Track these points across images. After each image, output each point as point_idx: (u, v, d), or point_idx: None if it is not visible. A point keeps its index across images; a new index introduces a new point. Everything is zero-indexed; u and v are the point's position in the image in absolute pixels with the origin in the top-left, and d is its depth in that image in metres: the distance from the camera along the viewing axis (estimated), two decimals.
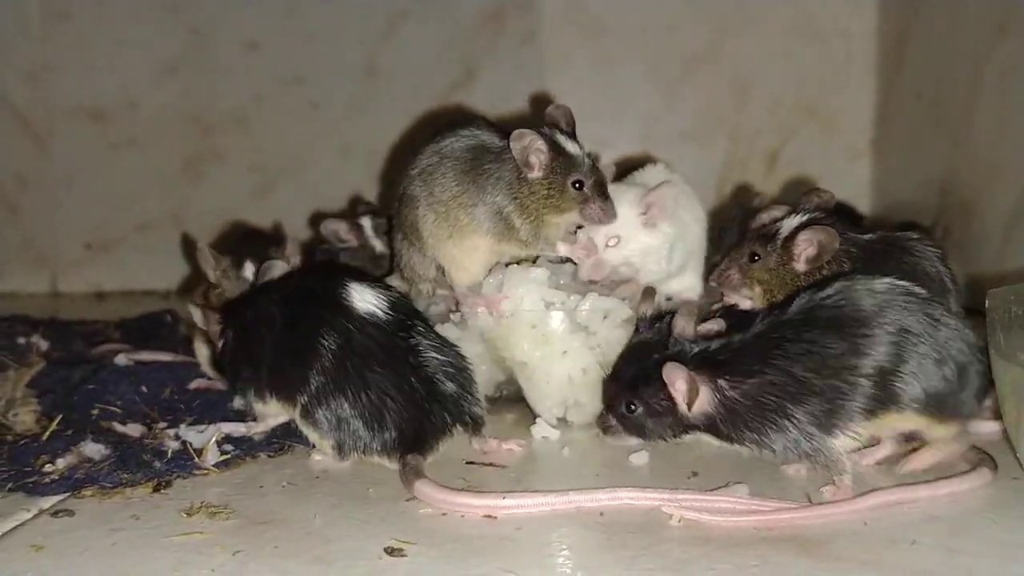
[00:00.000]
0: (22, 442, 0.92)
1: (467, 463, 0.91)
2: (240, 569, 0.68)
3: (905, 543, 0.71)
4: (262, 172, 1.95)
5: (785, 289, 0.95)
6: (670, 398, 0.84)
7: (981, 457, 0.86)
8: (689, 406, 0.83)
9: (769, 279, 0.97)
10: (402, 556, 0.69)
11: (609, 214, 0.98)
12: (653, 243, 1.06)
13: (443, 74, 1.91)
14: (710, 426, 0.85)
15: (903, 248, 0.93)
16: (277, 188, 1.95)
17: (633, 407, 0.87)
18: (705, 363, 0.84)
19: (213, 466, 0.89)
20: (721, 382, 0.83)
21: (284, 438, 0.97)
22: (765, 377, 0.82)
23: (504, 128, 1.02)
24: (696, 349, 0.86)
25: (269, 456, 0.94)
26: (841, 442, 0.82)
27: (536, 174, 0.97)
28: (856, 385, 0.80)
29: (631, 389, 0.87)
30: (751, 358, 0.83)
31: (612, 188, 1.03)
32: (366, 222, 1.29)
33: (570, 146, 0.99)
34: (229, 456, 0.91)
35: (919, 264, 0.91)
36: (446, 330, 1.04)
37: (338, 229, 1.27)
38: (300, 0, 1.89)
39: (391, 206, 1.10)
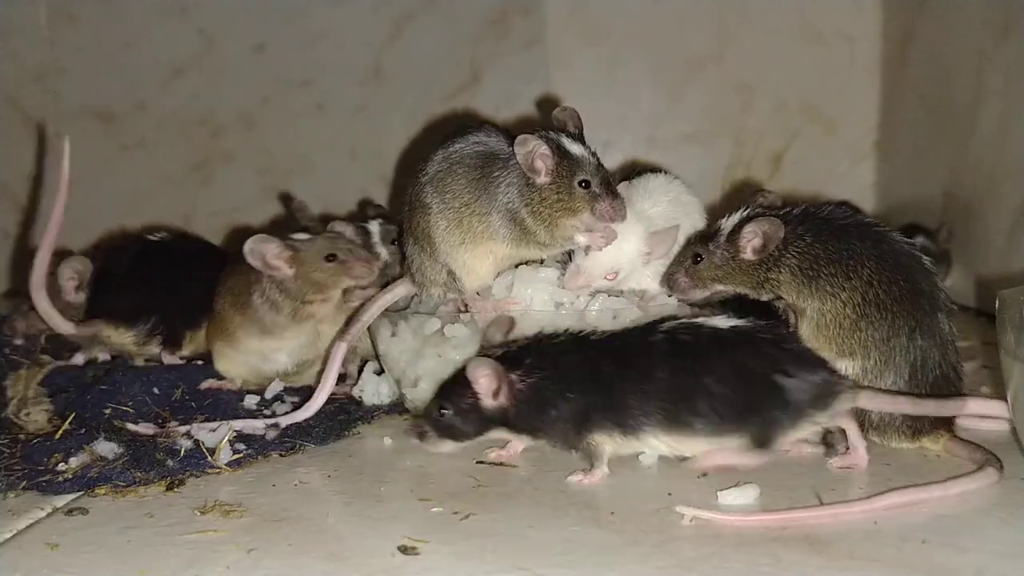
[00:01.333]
0: (35, 441, 0.93)
1: (477, 463, 0.92)
2: (254, 566, 0.68)
3: (915, 542, 0.72)
4: (270, 174, 1.96)
5: (744, 276, 0.97)
6: (474, 395, 0.89)
7: (987, 457, 0.86)
8: (494, 396, 0.88)
9: (721, 275, 0.99)
10: (416, 554, 0.70)
11: (620, 210, 0.98)
12: (650, 275, 1.06)
13: (448, 77, 1.92)
14: (504, 419, 0.90)
15: (877, 237, 0.94)
16: (284, 189, 1.95)
17: (443, 410, 0.90)
18: (504, 360, 0.89)
19: (226, 465, 0.90)
20: (513, 376, 0.88)
21: (296, 438, 0.97)
22: (543, 374, 0.89)
23: (512, 132, 1.02)
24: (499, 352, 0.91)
25: (280, 455, 0.94)
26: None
27: (543, 179, 0.97)
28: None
29: (440, 394, 0.92)
30: (539, 358, 0.90)
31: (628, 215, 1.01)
32: (374, 227, 1.29)
33: (574, 147, 0.98)
34: (241, 455, 0.92)
35: (892, 251, 0.93)
36: (455, 330, 1.04)
37: (344, 231, 1.28)
38: (307, 3, 1.90)
39: (400, 210, 1.11)
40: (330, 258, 1.12)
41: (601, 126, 1.88)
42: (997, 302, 0.84)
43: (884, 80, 1.88)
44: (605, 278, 1.03)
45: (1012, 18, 1.44)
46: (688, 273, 1.00)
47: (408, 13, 1.90)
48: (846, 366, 0.91)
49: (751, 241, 0.95)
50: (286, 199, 1.73)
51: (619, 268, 1.03)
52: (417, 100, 1.91)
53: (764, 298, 0.98)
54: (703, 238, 1.01)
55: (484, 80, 1.91)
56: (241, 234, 1.77)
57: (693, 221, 1.10)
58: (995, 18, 1.48)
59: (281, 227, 1.28)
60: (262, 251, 1.10)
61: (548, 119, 1.03)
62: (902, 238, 0.95)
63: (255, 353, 1.15)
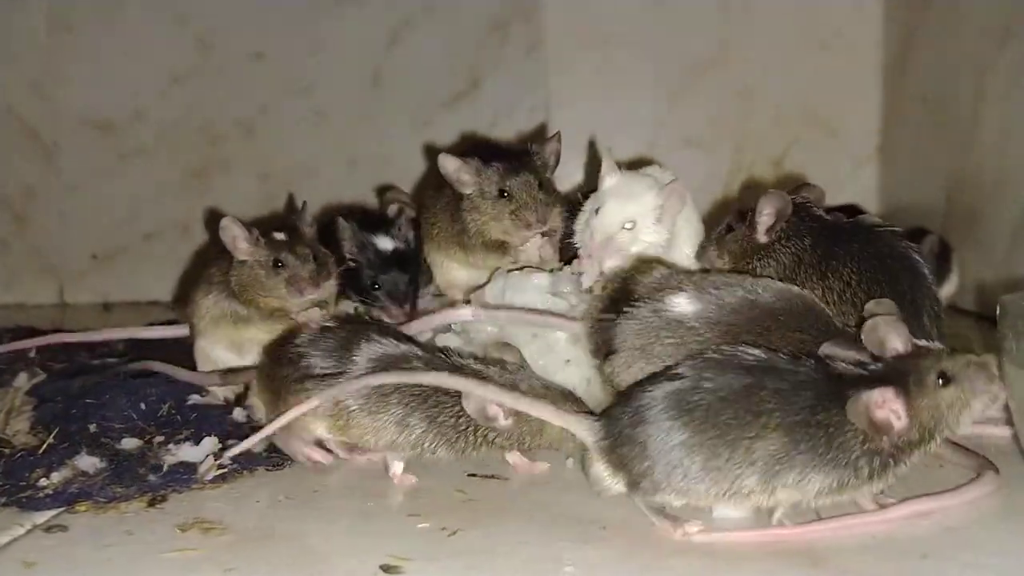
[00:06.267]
0: (18, 455, 0.91)
1: (468, 475, 0.90)
2: None
3: (916, 556, 0.69)
4: (269, 182, 1.95)
5: (747, 258, 0.99)
6: None
7: (980, 461, 0.84)
8: None
9: (736, 249, 1.00)
10: (399, 573, 0.68)
11: (541, 216, 1.06)
12: (657, 240, 1.01)
13: (448, 83, 1.90)
14: None
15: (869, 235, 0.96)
16: (284, 197, 1.94)
17: None
18: None
19: (209, 480, 0.88)
20: None
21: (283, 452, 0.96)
22: None
23: (511, 146, 1.03)
24: None
25: (267, 470, 0.92)
26: None
27: (468, 190, 1.10)
28: None
29: None
30: None
31: (630, 176, 1.03)
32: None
33: (499, 160, 1.08)
34: (226, 469, 0.90)
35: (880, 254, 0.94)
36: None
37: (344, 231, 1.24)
38: (306, 11, 1.89)
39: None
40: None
41: (601, 131, 1.86)
42: (998, 308, 0.82)
43: (886, 84, 1.86)
44: (624, 227, 0.98)
45: (1013, 23, 1.42)
46: (718, 242, 1.01)
47: (407, 20, 1.89)
48: None
49: (761, 217, 0.97)
50: (291, 201, 1.72)
51: (635, 218, 0.99)
52: (417, 107, 1.90)
53: None
54: (741, 212, 1.02)
55: (484, 87, 1.90)
56: None
57: (687, 214, 1.07)
58: (996, 23, 1.46)
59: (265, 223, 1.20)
60: None
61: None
62: (897, 240, 0.95)
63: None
